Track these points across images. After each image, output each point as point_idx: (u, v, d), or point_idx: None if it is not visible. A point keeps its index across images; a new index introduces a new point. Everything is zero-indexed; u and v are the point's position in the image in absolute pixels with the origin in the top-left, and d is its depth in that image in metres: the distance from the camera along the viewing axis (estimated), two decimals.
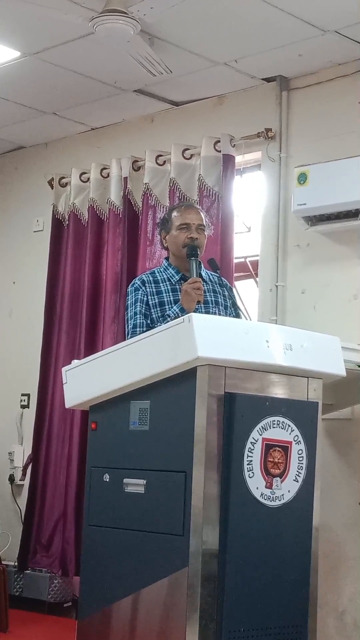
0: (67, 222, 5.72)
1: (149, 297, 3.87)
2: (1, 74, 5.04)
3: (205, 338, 3.12)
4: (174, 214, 3.98)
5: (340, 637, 4.26)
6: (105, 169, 5.55)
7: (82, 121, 5.72)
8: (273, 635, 3.22)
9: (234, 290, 4.05)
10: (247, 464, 3.17)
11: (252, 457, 3.19)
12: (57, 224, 5.78)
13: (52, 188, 5.81)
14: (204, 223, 3.95)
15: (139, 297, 3.88)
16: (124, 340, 3.76)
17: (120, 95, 5.28)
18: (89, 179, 5.61)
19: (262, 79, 4.97)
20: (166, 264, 4.00)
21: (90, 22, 4.21)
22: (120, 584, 3.33)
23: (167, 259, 4.03)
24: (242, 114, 5.08)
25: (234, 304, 3.96)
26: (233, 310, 3.94)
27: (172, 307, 3.81)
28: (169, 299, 3.86)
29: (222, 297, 3.95)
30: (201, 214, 4.00)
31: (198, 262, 3.88)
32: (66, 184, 5.76)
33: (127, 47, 4.54)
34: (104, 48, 4.62)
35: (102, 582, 3.41)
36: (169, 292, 3.88)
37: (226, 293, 3.97)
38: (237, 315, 3.91)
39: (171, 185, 5.17)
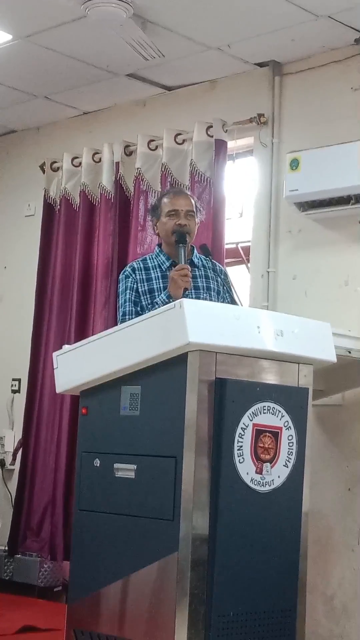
0: (58, 206, 5.71)
1: (139, 285, 3.88)
2: None
3: (196, 323, 3.12)
4: (164, 200, 3.97)
5: (329, 621, 4.28)
6: (97, 153, 5.53)
7: (74, 105, 5.70)
8: (262, 620, 3.24)
9: (228, 276, 4.04)
10: (238, 450, 3.18)
11: (242, 442, 3.19)
12: (49, 209, 5.76)
13: (44, 172, 5.79)
14: (194, 209, 3.94)
15: (129, 284, 3.88)
16: (115, 325, 3.76)
17: (113, 79, 5.25)
18: (80, 163, 5.59)
19: (255, 64, 4.95)
20: (158, 251, 4.00)
21: (82, 5, 4.19)
22: (110, 569, 3.34)
23: (159, 245, 4.03)
24: (235, 99, 5.06)
25: (228, 291, 3.95)
26: (228, 296, 3.94)
27: (161, 294, 3.81)
28: (158, 285, 3.86)
29: (214, 283, 3.95)
30: (191, 199, 3.99)
31: (191, 247, 3.87)
32: (58, 168, 5.74)
33: (120, 30, 4.52)
34: (96, 31, 4.60)
35: (92, 566, 3.42)
36: (159, 279, 3.88)
37: (219, 279, 3.97)
38: (233, 301, 3.90)
39: (163, 170, 5.15)
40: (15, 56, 5.00)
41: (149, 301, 3.83)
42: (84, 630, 3.40)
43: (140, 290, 3.87)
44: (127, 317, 3.80)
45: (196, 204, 4.00)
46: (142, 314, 3.67)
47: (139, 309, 3.82)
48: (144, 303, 3.84)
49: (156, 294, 3.83)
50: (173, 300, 3.44)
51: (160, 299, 3.77)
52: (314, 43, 4.65)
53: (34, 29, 4.69)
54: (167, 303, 3.52)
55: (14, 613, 4.88)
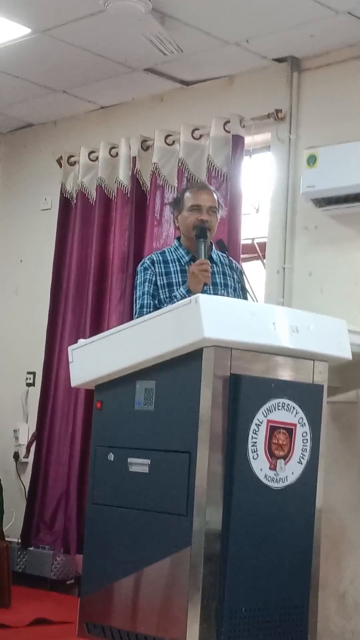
0: (75, 201, 5.71)
1: (158, 278, 3.86)
2: (11, 51, 5.02)
3: (211, 319, 3.12)
4: (187, 194, 3.96)
5: (340, 618, 4.28)
6: (114, 148, 5.54)
7: (92, 99, 5.70)
8: (274, 615, 3.24)
9: (244, 274, 4.03)
10: (252, 446, 3.18)
11: (256, 438, 3.19)
12: (65, 203, 5.77)
13: (61, 167, 5.80)
14: (216, 205, 3.93)
15: (148, 277, 3.87)
16: (130, 320, 3.76)
17: (130, 74, 5.25)
18: (97, 158, 5.60)
19: (273, 59, 4.94)
20: (177, 244, 3.99)
21: (101, 0, 4.18)
22: (123, 563, 3.35)
23: (178, 239, 4.02)
24: (253, 95, 5.05)
25: (243, 288, 3.95)
26: (242, 294, 3.93)
27: (180, 289, 3.81)
28: (177, 280, 3.85)
29: (231, 280, 3.94)
30: (214, 195, 3.97)
31: (209, 243, 3.87)
32: (75, 162, 5.74)
33: (138, 25, 4.52)
34: (114, 26, 4.60)
35: (105, 560, 3.43)
36: (177, 273, 3.87)
37: (235, 276, 3.96)
38: (245, 299, 3.90)
39: (180, 165, 5.15)
40: (33, 50, 5.00)
41: (167, 295, 3.82)
42: (96, 623, 3.42)
43: (159, 283, 3.86)
44: (144, 309, 3.79)
45: (218, 199, 3.98)
46: (160, 308, 3.67)
47: (156, 302, 3.81)
48: (162, 296, 3.83)
49: (175, 287, 3.83)
50: (192, 295, 3.43)
51: (179, 293, 3.77)
52: (333, 39, 4.63)
53: (53, 23, 4.69)
54: (186, 297, 3.51)
55: (27, 605, 4.90)
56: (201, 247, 3.80)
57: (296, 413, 3.31)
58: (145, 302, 3.83)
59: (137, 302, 3.86)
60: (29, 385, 5.98)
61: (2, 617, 4.55)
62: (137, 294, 3.88)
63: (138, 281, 3.90)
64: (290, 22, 4.49)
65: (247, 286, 3.99)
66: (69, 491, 5.39)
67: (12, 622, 4.50)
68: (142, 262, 3.95)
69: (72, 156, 5.76)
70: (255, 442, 3.19)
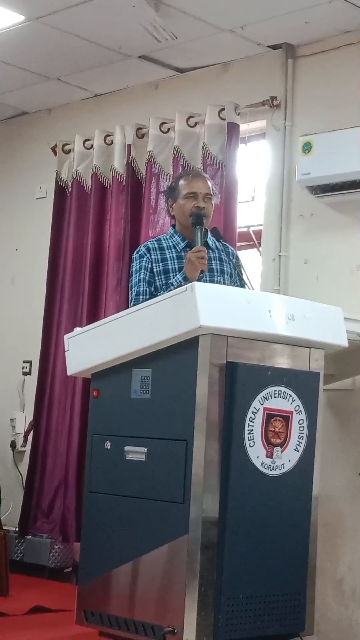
0: (70, 189, 5.70)
1: (154, 264, 3.86)
2: (5, 39, 5.00)
3: (207, 307, 3.12)
4: (181, 182, 3.96)
5: (338, 605, 4.30)
6: (108, 136, 5.52)
7: (86, 87, 5.68)
8: (271, 603, 3.25)
9: (239, 260, 4.03)
10: (248, 433, 3.18)
11: (253, 426, 3.20)
12: (60, 191, 5.75)
13: (56, 155, 5.78)
14: (211, 192, 3.93)
15: (143, 264, 3.87)
16: (127, 308, 3.76)
17: (125, 61, 5.23)
18: (92, 145, 5.58)
19: (268, 46, 4.92)
20: (172, 232, 3.99)
21: None
22: (120, 551, 3.36)
23: (173, 226, 4.02)
24: (247, 82, 5.04)
25: (239, 275, 3.95)
26: (238, 279, 3.93)
27: (176, 275, 3.80)
28: (173, 266, 3.85)
29: (228, 266, 3.94)
30: (208, 182, 3.97)
31: (204, 230, 3.86)
32: (69, 150, 5.73)
33: (132, 12, 4.50)
34: (109, 13, 4.58)
35: (102, 548, 3.44)
36: (174, 260, 3.87)
37: (232, 262, 3.96)
38: (243, 285, 3.90)
39: (175, 153, 5.14)
40: (27, 37, 4.98)
41: (164, 282, 3.82)
42: (94, 611, 3.43)
43: (154, 270, 3.86)
44: (140, 297, 3.79)
45: (213, 187, 3.98)
46: (156, 295, 3.67)
47: (152, 289, 3.82)
48: (158, 283, 3.83)
49: (171, 274, 3.83)
50: (189, 282, 3.43)
51: (175, 280, 3.77)
52: (328, 26, 4.62)
53: (46, 10, 4.67)
54: (182, 284, 3.51)
55: (25, 594, 4.91)
56: (197, 235, 3.80)
57: (292, 401, 3.31)
58: (141, 289, 3.83)
59: (133, 289, 3.86)
60: (25, 374, 5.98)
61: (0, 606, 4.56)
62: (133, 282, 3.87)
63: (134, 268, 3.90)
64: (285, 8, 4.48)
65: (243, 272, 3.98)
66: (67, 479, 5.40)
67: (10, 611, 4.51)
68: (137, 250, 3.95)
69: (67, 144, 5.74)
70: (252, 430, 3.19)
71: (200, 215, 3.83)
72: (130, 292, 3.89)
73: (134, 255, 3.93)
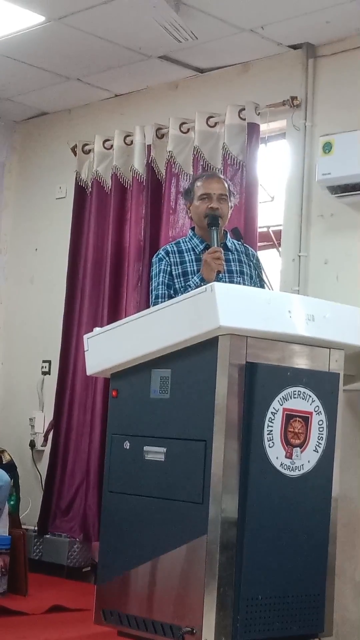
0: (90, 189, 5.71)
1: (173, 268, 3.88)
2: (26, 39, 5.02)
3: (227, 307, 3.11)
4: (197, 184, 3.97)
5: (356, 606, 4.28)
6: (128, 136, 5.53)
7: (106, 87, 5.69)
8: (290, 604, 3.25)
9: (259, 261, 4.03)
10: (268, 434, 3.18)
11: (272, 427, 3.19)
12: (80, 191, 5.76)
13: (75, 155, 5.79)
14: (227, 192, 3.93)
15: (163, 267, 3.88)
16: (147, 308, 3.76)
17: (145, 61, 5.24)
18: (112, 146, 5.59)
19: (289, 46, 4.91)
20: (191, 234, 4.00)
21: None
22: (139, 550, 3.36)
23: (192, 229, 4.03)
24: (268, 82, 5.03)
25: (259, 276, 3.94)
26: (259, 280, 3.93)
27: (194, 277, 3.81)
28: (192, 269, 3.86)
29: (247, 267, 3.94)
30: (224, 183, 3.97)
31: (224, 232, 3.86)
32: (89, 151, 5.74)
33: (153, 12, 4.50)
34: (129, 13, 4.59)
35: (121, 548, 3.44)
36: (192, 262, 3.88)
37: (252, 263, 3.96)
38: (262, 287, 3.90)
39: (195, 153, 5.14)
40: (48, 38, 5.00)
41: (183, 284, 3.83)
42: (113, 611, 3.43)
43: (174, 273, 3.87)
44: (160, 300, 3.80)
45: (229, 187, 3.99)
46: (176, 297, 3.67)
47: (172, 292, 3.82)
48: (177, 286, 3.84)
49: (190, 277, 3.84)
50: (206, 283, 3.43)
51: (193, 282, 3.78)
52: (349, 25, 4.60)
53: (67, 11, 4.68)
54: (200, 286, 3.51)
55: (44, 593, 4.92)
56: (214, 235, 3.80)
57: (312, 401, 3.31)
58: (160, 292, 3.84)
59: (153, 292, 3.89)
60: (44, 373, 6.00)
61: (19, 605, 4.58)
62: (153, 285, 3.90)
63: (153, 272, 3.92)
64: (306, 8, 4.46)
65: (263, 274, 3.98)
66: (89, 479, 5.40)
67: (29, 610, 4.53)
68: (156, 254, 3.97)
69: (87, 144, 5.75)
70: (271, 431, 3.19)
71: (216, 216, 3.84)
72: (150, 296, 3.92)
73: (154, 259, 3.95)
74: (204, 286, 3.21)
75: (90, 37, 4.96)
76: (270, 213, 5.30)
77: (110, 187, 5.58)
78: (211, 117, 5.12)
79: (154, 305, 3.79)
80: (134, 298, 5.32)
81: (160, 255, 3.93)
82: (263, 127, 5.00)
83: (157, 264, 3.91)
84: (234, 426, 3.15)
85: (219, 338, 3.15)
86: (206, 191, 3.91)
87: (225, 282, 3.76)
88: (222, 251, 3.78)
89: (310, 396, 3.30)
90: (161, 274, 3.87)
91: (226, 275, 3.80)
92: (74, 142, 5.83)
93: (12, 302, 6.30)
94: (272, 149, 5.20)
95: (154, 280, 3.90)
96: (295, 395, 3.26)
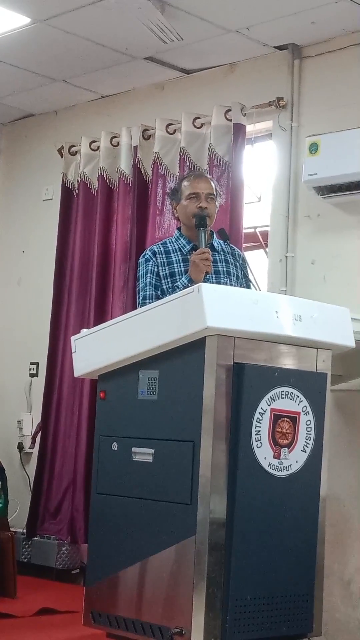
0: (76, 191, 5.71)
1: (160, 268, 3.87)
2: (11, 41, 5.01)
3: (214, 308, 3.11)
4: (184, 183, 3.96)
5: (345, 606, 4.29)
6: (115, 137, 5.53)
7: (92, 89, 5.69)
8: (279, 604, 3.24)
9: (246, 261, 4.04)
10: (255, 434, 3.18)
11: (260, 427, 3.19)
12: (67, 193, 5.76)
13: (62, 156, 5.79)
14: (214, 192, 3.93)
15: (150, 268, 3.87)
16: (134, 309, 3.76)
17: (131, 62, 5.24)
18: (98, 147, 5.59)
19: (274, 47, 4.92)
20: (178, 234, 3.99)
21: None
22: (127, 552, 3.36)
23: (179, 229, 4.02)
24: (254, 83, 5.04)
25: (245, 276, 3.95)
26: (244, 281, 3.93)
27: (181, 278, 3.80)
28: (179, 269, 3.85)
29: (234, 268, 3.94)
30: (211, 183, 3.97)
31: (209, 231, 3.86)
32: (76, 152, 5.73)
33: (138, 13, 4.50)
34: (114, 15, 4.58)
35: (109, 549, 3.44)
36: (180, 263, 3.87)
37: (238, 264, 3.96)
38: (249, 287, 3.90)
39: (181, 154, 5.14)
40: (33, 39, 4.99)
41: (170, 285, 3.82)
42: (102, 612, 3.43)
43: (161, 274, 3.86)
44: (147, 300, 3.79)
45: (216, 187, 3.99)
46: (163, 298, 3.67)
47: (159, 292, 3.82)
48: (164, 287, 3.83)
49: (177, 277, 3.83)
50: (194, 284, 3.43)
51: (181, 283, 3.77)
52: (334, 26, 4.61)
53: (53, 12, 4.67)
54: (188, 287, 3.51)
55: (33, 595, 4.91)
56: (201, 236, 3.80)
57: (300, 401, 3.31)
58: (148, 293, 3.83)
59: (140, 293, 3.87)
60: (32, 375, 5.99)
61: (7, 607, 4.57)
62: (140, 286, 3.88)
63: (140, 273, 3.90)
64: (291, 9, 4.47)
65: (249, 274, 3.99)
66: (76, 481, 5.40)
67: (18, 612, 4.52)
68: (143, 254, 3.96)
69: (73, 146, 5.75)
70: (259, 431, 3.19)
71: (203, 216, 3.83)
72: (137, 296, 3.90)
73: (140, 260, 3.94)
74: (191, 287, 3.21)
75: (76, 39, 4.96)
76: (257, 214, 5.31)
77: (96, 189, 5.57)
78: (197, 118, 5.12)
79: (141, 306, 3.78)
80: (120, 299, 5.32)
81: (147, 255, 3.92)
82: (249, 128, 5.01)
83: (144, 265, 3.89)
84: (222, 427, 3.14)
85: (207, 339, 3.15)
86: (194, 190, 3.90)
87: (212, 282, 3.76)
88: (210, 252, 3.78)
89: (297, 396, 3.30)
90: (148, 275, 3.86)
91: (213, 275, 3.80)
92: (60, 143, 5.82)
93: None
94: (258, 150, 5.21)
95: (140, 280, 3.88)
96: (282, 396, 3.26)
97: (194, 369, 3.18)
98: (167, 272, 3.86)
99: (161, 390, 3.32)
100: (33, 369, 5.99)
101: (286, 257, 4.80)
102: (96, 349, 3.55)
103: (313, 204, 4.70)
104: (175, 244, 3.94)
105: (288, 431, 3.27)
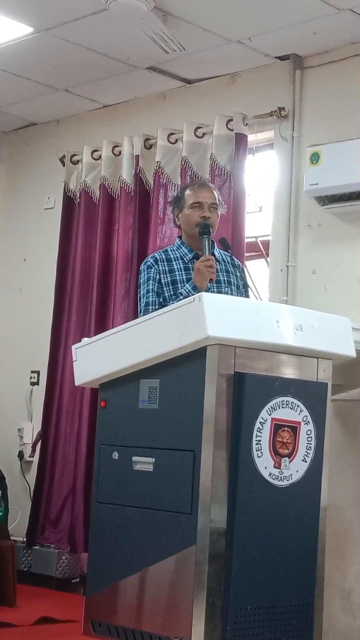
0: (78, 199, 5.72)
1: (162, 275, 3.87)
2: (14, 50, 5.03)
3: (215, 317, 3.11)
4: (187, 192, 3.96)
5: (346, 616, 4.28)
6: (117, 146, 5.54)
7: (94, 98, 5.70)
8: (279, 614, 3.24)
9: (245, 271, 4.04)
10: (256, 444, 3.18)
11: (260, 436, 3.19)
12: (69, 202, 5.77)
13: (64, 165, 5.80)
14: (217, 202, 3.94)
15: (152, 275, 3.87)
16: (135, 318, 3.76)
17: (133, 72, 5.25)
18: (100, 156, 5.60)
19: (276, 57, 4.94)
20: (179, 243, 4.00)
21: None
22: (128, 561, 3.35)
23: (180, 237, 4.03)
24: (255, 93, 5.05)
25: (245, 286, 3.95)
26: (244, 291, 3.94)
27: (184, 286, 3.81)
28: (181, 277, 3.86)
29: (234, 277, 3.95)
30: (214, 192, 3.98)
31: (211, 240, 3.87)
32: (78, 161, 5.75)
33: (140, 23, 4.52)
34: (117, 24, 4.60)
35: (110, 558, 3.43)
36: (181, 271, 3.88)
37: (238, 274, 3.97)
38: (247, 297, 3.90)
39: (183, 163, 5.15)
40: (36, 49, 5.01)
41: (172, 292, 3.83)
42: (102, 622, 3.42)
43: (163, 281, 3.86)
44: (150, 307, 3.80)
45: (219, 197, 3.99)
46: (165, 305, 3.67)
47: (161, 299, 3.82)
48: (166, 294, 3.84)
49: (179, 285, 3.83)
50: (198, 291, 3.44)
51: (184, 290, 3.78)
52: (336, 36, 4.63)
53: (55, 22, 4.69)
54: (191, 294, 3.52)
55: (32, 604, 4.91)
56: (205, 244, 3.81)
57: (300, 411, 3.31)
58: (150, 299, 3.83)
59: (142, 300, 3.86)
60: (33, 384, 5.99)
61: (7, 616, 4.56)
62: (142, 292, 3.88)
63: (142, 279, 3.90)
64: (293, 19, 4.49)
65: (248, 285, 3.99)
66: (76, 490, 5.39)
67: (18, 621, 4.51)
68: (145, 261, 3.96)
69: (75, 155, 5.76)
70: (260, 441, 3.19)
71: (207, 224, 3.84)
72: (139, 304, 3.90)
73: (142, 267, 3.94)
74: (192, 296, 3.21)
75: (78, 48, 4.98)
76: (258, 223, 5.32)
77: (98, 198, 5.58)
78: (199, 127, 5.13)
79: (143, 312, 3.79)
80: (121, 308, 5.32)
81: (149, 262, 3.92)
82: (251, 138, 5.02)
83: (146, 271, 3.90)
84: (223, 436, 3.14)
85: (207, 348, 3.15)
86: (198, 200, 3.91)
87: (214, 292, 3.76)
88: (214, 259, 3.79)
89: (298, 406, 3.30)
90: (150, 282, 3.86)
91: (214, 285, 3.80)
92: (62, 152, 5.83)
93: (1, 313, 6.30)
94: (259, 160, 5.22)
95: (142, 287, 3.88)
96: (283, 405, 3.26)
97: (194, 378, 3.18)
98: (169, 279, 3.86)
99: (162, 399, 3.32)
100: (34, 377, 5.99)
101: (287, 266, 4.80)
102: (97, 358, 3.56)
103: (314, 213, 4.71)
104: (176, 252, 3.95)
105: (289, 441, 3.27)
